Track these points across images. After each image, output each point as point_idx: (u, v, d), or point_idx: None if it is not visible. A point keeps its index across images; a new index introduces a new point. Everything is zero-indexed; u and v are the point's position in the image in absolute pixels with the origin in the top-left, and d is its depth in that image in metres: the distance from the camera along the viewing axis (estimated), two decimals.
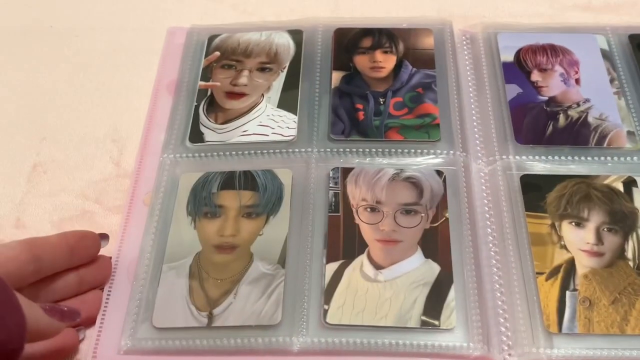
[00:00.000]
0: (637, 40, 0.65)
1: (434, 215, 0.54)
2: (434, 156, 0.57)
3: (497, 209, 0.55)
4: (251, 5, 0.73)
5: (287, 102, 0.61)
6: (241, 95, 0.61)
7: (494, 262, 0.52)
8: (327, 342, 0.48)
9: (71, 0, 0.74)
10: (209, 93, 0.62)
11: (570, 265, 0.51)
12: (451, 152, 0.57)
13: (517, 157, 0.57)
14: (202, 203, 0.54)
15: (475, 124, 0.61)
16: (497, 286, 0.51)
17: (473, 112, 0.62)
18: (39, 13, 0.73)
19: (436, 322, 0.48)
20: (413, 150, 0.58)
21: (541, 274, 0.50)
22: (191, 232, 0.53)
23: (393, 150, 0.58)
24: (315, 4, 0.72)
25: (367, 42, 0.65)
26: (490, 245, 0.53)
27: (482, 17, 0.70)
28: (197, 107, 0.61)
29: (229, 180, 0.56)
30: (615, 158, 0.57)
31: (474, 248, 0.52)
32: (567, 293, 0.49)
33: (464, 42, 0.67)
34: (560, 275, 0.50)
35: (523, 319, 0.49)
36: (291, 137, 0.58)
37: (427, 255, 0.51)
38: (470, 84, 0.64)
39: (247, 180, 0.56)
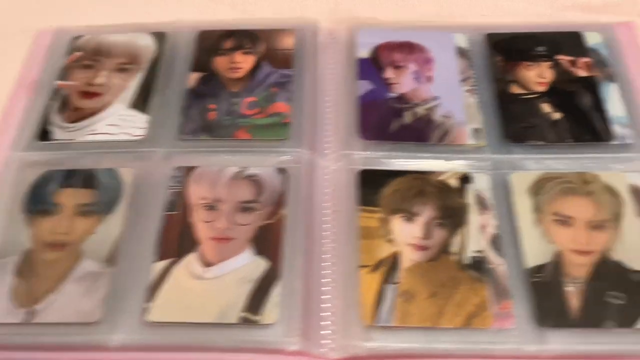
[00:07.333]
0: (494, 39, 0.66)
1: (270, 212, 0.54)
2: (280, 154, 0.58)
3: (337, 205, 0.56)
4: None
5: (140, 102, 0.61)
6: (96, 94, 0.62)
7: (328, 256, 0.53)
8: (146, 339, 0.48)
9: None
10: (65, 92, 0.62)
11: (395, 258, 0.51)
12: (297, 150, 0.58)
13: (362, 153, 0.58)
14: (39, 200, 0.55)
15: (327, 121, 0.61)
16: (329, 280, 0.52)
17: (327, 110, 0.62)
18: None
19: (257, 318, 0.49)
20: (260, 149, 0.58)
21: (366, 267, 0.51)
22: (23, 229, 0.53)
23: (241, 149, 0.58)
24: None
25: (228, 44, 0.66)
26: (326, 240, 0.54)
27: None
28: (50, 106, 0.61)
29: (70, 179, 0.56)
30: (456, 155, 0.58)
31: (308, 244, 0.53)
32: (388, 286, 0.50)
33: (330, 41, 0.68)
34: (383, 268, 0.51)
35: (342, 313, 0.49)
36: (139, 137, 0.59)
37: (258, 252, 0.52)
38: (330, 82, 0.64)
39: (88, 178, 0.56)
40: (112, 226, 0.53)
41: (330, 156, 0.59)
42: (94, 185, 0.55)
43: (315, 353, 0.48)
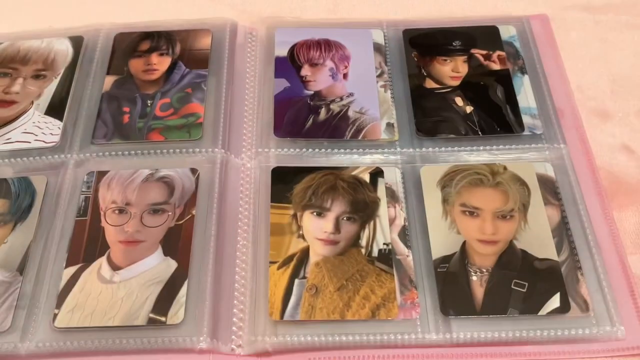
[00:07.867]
0: (410, 35, 0.66)
1: (180, 213, 0.54)
2: (193, 154, 0.58)
3: (252, 203, 0.56)
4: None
5: (55, 108, 0.61)
6: (11, 103, 0.61)
7: (239, 254, 0.53)
8: (54, 345, 0.48)
9: None
10: None
11: (304, 254, 0.52)
12: (210, 149, 0.58)
13: (275, 151, 0.58)
14: None
15: (245, 120, 0.62)
16: (238, 278, 0.52)
17: (245, 108, 0.63)
18: None
19: (163, 319, 0.49)
20: (172, 150, 0.58)
21: (275, 263, 0.51)
22: None
23: (153, 151, 0.58)
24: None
25: (144, 46, 0.66)
26: (239, 238, 0.54)
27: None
28: None
29: None
30: (370, 149, 0.58)
31: (219, 242, 0.53)
32: (296, 281, 0.50)
33: (249, 41, 0.68)
34: (292, 263, 0.51)
35: (250, 309, 0.50)
36: (53, 143, 0.59)
37: (167, 253, 0.52)
38: (248, 81, 0.65)
39: (1, 188, 0.55)
40: (23, 235, 0.53)
41: (247, 154, 0.59)
42: (6, 195, 0.55)
43: (223, 350, 0.49)
